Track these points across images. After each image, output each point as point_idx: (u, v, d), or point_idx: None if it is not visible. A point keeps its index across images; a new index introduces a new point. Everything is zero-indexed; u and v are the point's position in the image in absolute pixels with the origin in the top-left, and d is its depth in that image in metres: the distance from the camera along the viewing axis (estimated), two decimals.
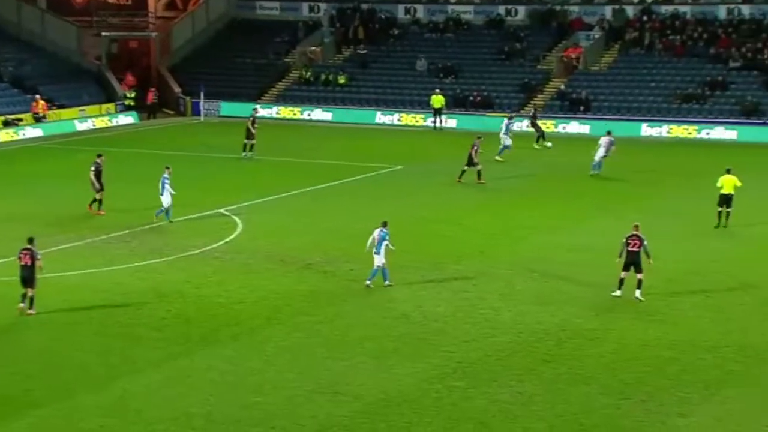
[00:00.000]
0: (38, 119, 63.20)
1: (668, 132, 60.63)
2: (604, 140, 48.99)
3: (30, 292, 27.96)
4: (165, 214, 38.40)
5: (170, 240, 36.36)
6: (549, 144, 56.43)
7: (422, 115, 65.57)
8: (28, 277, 28.00)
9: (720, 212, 37.58)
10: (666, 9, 69.04)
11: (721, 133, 59.74)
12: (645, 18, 68.81)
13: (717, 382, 23.42)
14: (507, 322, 27.51)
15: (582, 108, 63.43)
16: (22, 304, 27.95)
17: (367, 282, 30.45)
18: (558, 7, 71.27)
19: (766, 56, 63.85)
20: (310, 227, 38.33)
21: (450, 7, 73.93)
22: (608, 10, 70.37)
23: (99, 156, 40.77)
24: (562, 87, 66.15)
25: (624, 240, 29.17)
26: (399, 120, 66.43)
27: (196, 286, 30.82)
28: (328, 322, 27.67)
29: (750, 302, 29.19)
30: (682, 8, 68.69)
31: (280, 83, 72.98)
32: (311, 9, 77.60)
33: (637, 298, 28.91)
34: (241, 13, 79.23)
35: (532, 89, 66.73)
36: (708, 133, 59.90)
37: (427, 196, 43.99)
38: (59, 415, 21.81)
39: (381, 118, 66.83)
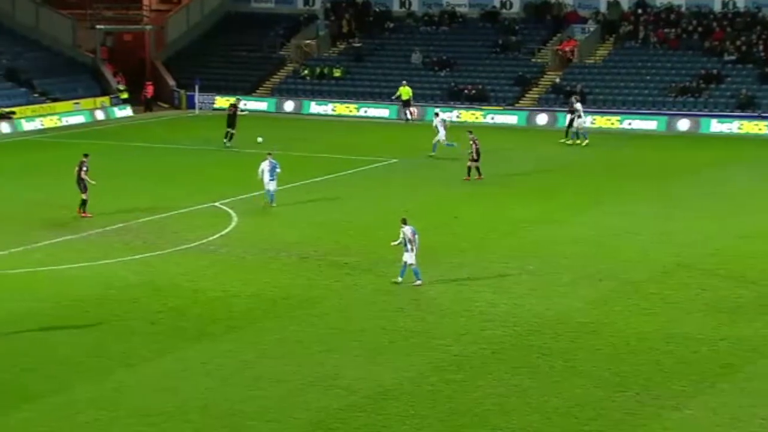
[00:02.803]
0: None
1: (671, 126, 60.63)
2: (437, 121, 51.29)
3: None
4: (270, 199, 39.96)
5: (165, 234, 36.30)
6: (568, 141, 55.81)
7: (418, 108, 65.28)
8: None
9: None
10: (661, 2, 68.86)
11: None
12: (640, 11, 68.70)
13: (712, 375, 23.43)
14: (502, 316, 27.50)
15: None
16: None
17: (399, 279, 30.14)
18: (553, 0, 71.18)
19: (760, 49, 63.85)
20: (306, 221, 38.27)
21: (445, 0, 73.80)
22: (603, 3, 70.22)
23: (85, 156, 39.03)
24: (557, 80, 66.06)
25: None
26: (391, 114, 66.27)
27: (191, 280, 30.78)
28: (323, 316, 27.65)
29: (746, 296, 29.13)
30: (677, 1, 68.50)
31: (275, 76, 72.85)
32: (306, 2, 77.37)
33: None
34: (236, 6, 78.98)
35: (527, 82, 66.69)
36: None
37: (421, 189, 43.89)
38: (54, 408, 21.76)
39: (374, 111, 66.64)
